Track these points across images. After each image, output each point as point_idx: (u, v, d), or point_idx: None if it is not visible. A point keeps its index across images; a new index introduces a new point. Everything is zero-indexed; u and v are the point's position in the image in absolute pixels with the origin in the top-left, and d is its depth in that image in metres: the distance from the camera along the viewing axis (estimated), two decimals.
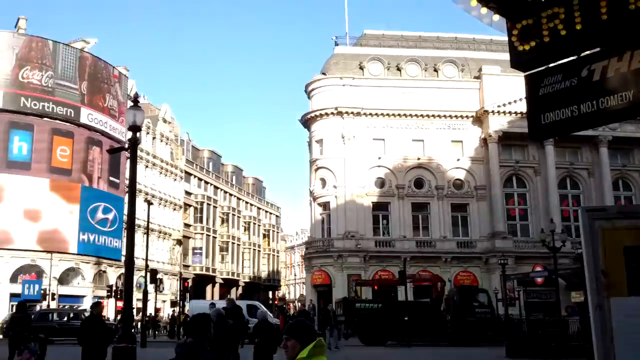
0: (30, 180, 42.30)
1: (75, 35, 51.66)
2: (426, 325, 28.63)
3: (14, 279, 41.26)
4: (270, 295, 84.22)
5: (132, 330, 13.46)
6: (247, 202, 79.96)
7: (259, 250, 79.26)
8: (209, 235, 64.52)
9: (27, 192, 41.90)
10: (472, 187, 47.27)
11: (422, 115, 47.35)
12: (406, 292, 32.34)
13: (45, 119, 43.98)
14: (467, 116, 47.75)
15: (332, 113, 46.80)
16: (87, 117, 46.04)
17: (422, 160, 46.96)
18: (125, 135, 45.88)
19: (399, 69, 48.79)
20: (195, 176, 66.27)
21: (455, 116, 47.66)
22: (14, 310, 21.47)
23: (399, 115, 47.10)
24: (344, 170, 45.86)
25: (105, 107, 48.20)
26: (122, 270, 44.48)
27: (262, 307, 27.56)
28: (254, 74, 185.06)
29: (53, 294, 40.47)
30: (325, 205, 47.30)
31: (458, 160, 47.32)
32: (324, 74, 49.17)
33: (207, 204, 65.30)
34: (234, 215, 71.97)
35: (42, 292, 38.85)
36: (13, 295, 39.55)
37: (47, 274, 41.73)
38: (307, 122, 49.06)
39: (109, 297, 41.40)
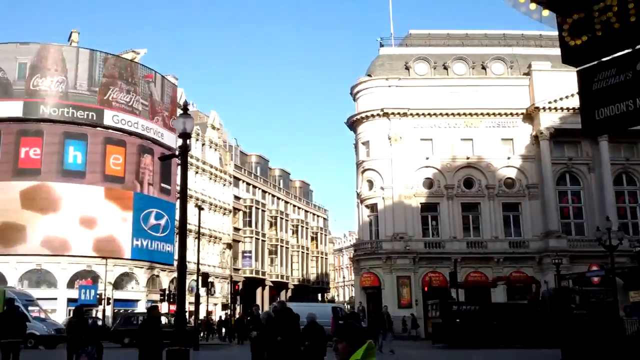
0: (85, 188, 43.60)
1: (126, 46, 52.93)
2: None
3: (70, 284, 42.60)
4: (320, 298, 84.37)
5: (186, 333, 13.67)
6: (294, 206, 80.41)
7: (307, 253, 79.56)
8: (258, 239, 65.15)
9: (83, 200, 43.20)
10: (523, 185, 46.27)
11: (470, 114, 46.66)
12: (457, 293, 31.88)
13: (98, 128, 45.25)
14: (517, 113, 46.80)
15: (378, 114, 46.60)
16: (139, 125, 47.16)
17: (472, 160, 46.25)
18: (176, 143, 46.80)
19: (445, 68, 48.21)
20: (243, 181, 67.06)
21: (505, 114, 46.77)
22: (71, 315, 22.12)
23: (446, 114, 46.54)
24: (391, 172, 45.58)
25: (156, 116, 49.28)
26: (175, 275, 45.47)
27: (324, 304, 27.60)
28: (300, 78, 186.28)
29: (108, 299, 41.61)
30: (372, 207, 47.10)
31: (509, 158, 46.41)
32: (369, 75, 49.03)
33: (256, 208, 65.96)
34: (282, 218, 72.46)
35: (97, 296, 39.94)
36: (70, 300, 40.85)
37: (103, 279, 42.90)
38: (353, 124, 48.99)
39: (162, 300, 42.29)
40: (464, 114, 46.61)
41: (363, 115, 47.33)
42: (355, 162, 49.38)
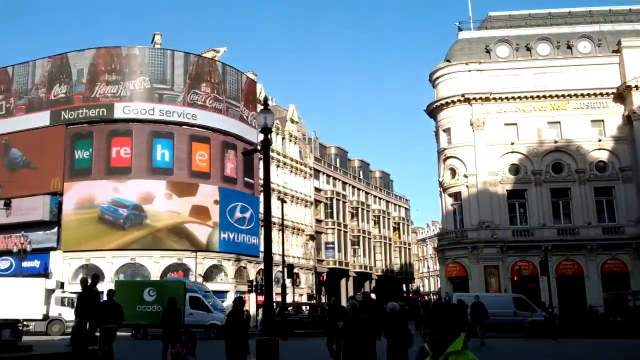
0: (178, 184, 45.34)
1: (205, 45, 54.45)
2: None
3: (163, 277, 44.40)
4: (404, 288, 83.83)
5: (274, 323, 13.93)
6: (375, 196, 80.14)
7: (390, 244, 79.18)
8: (340, 230, 65.46)
9: (172, 196, 44.96)
10: (616, 168, 43.95)
11: (556, 96, 44.77)
12: (549, 283, 30.78)
13: (184, 126, 46.87)
14: (607, 93, 44.46)
15: (459, 100, 45.54)
16: (222, 122, 48.45)
17: (560, 144, 44.40)
18: (257, 137, 47.73)
19: (528, 50, 46.45)
20: (323, 173, 67.51)
21: (594, 94, 44.55)
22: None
23: (531, 97, 44.88)
24: (475, 159, 44.49)
25: (238, 112, 50.43)
26: (261, 266, 46.51)
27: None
28: (376, 66, 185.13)
29: None
30: (456, 196, 46.16)
31: (599, 140, 44.20)
32: (448, 60, 47.98)
33: (337, 199, 66.27)
34: (363, 209, 72.44)
35: None
36: None
37: (193, 272, 44.47)
38: (432, 111, 48.15)
39: (249, 291, 43.30)
40: (550, 96, 44.77)
41: (443, 101, 46.40)
42: (436, 150, 48.54)
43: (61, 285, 36.45)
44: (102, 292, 15.39)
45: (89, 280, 14.50)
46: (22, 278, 37.95)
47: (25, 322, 32.42)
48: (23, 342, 15.50)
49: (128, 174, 44.89)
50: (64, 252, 43.96)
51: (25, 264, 40.64)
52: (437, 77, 47.89)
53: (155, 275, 43.76)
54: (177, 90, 47.15)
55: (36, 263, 44.17)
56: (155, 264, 44.47)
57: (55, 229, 44.64)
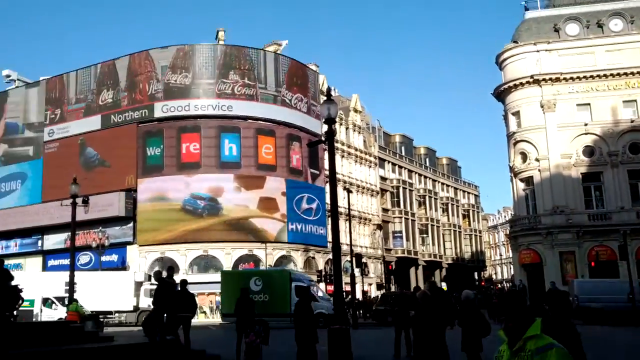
0: (246, 177, 46.22)
1: (268, 39, 55.03)
2: None
3: (235, 268, 45.37)
4: (475, 277, 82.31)
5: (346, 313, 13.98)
6: (442, 183, 78.90)
7: (459, 232, 77.85)
8: (408, 219, 64.91)
9: (240, 189, 45.90)
10: None
11: (632, 74, 42.65)
12: (629, 268, 29.45)
13: (249, 120, 47.64)
14: None
15: (528, 82, 44.07)
16: (286, 115, 48.96)
17: (637, 123, 42.29)
18: (321, 129, 47.91)
19: (599, 26, 44.37)
20: (388, 161, 67.04)
21: None
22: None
23: (604, 76, 42.90)
24: (546, 142, 43.01)
25: (302, 103, 50.78)
26: (329, 256, 46.76)
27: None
28: (439, 51, 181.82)
29: None
30: (527, 181, 44.78)
31: None
32: (515, 42, 46.48)
33: (403, 187, 65.71)
34: (430, 197, 71.53)
35: None
36: None
37: (263, 263, 45.25)
38: (500, 94, 46.83)
39: (319, 281, 43.64)
40: (625, 74, 42.68)
41: (511, 84, 45.03)
42: (505, 134, 47.23)
43: (149, 277, 37.97)
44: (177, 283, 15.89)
45: (164, 273, 14.99)
46: (113, 272, 39.83)
47: (117, 314, 33.98)
48: (105, 333, 16.23)
49: (198, 169, 46.12)
50: (140, 246, 45.67)
51: (103, 258, 42.51)
52: (505, 59, 46.50)
53: (227, 266, 44.82)
54: (244, 84, 47.94)
55: (114, 257, 46.13)
56: (227, 255, 45.53)
57: (131, 224, 46.44)
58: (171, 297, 13.99)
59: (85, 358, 10.58)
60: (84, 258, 46.36)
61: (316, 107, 50.71)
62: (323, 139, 15.91)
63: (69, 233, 28.55)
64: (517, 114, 45.23)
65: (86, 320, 20.86)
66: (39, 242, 50.59)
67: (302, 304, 11.99)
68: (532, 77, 43.74)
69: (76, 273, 31.26)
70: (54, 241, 49.16)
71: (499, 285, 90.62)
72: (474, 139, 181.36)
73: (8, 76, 60.49)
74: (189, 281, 15.76)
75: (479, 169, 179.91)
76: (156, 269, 36.55)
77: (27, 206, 50.73)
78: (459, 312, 11.54)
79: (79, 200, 25.67)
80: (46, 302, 31.28)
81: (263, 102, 48.09)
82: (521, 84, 44.39)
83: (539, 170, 43.30)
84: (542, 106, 43.47)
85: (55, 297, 31.42)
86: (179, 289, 14.50)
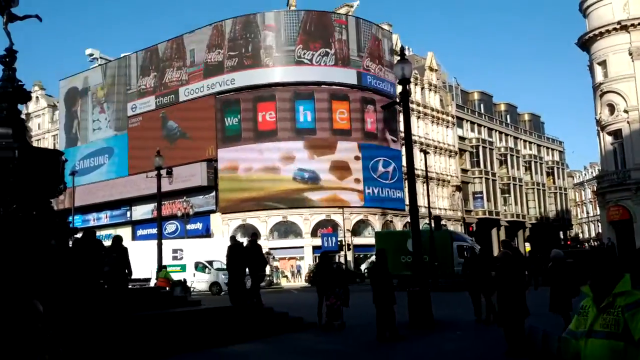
0: (317, 143, 46.44)
1: (339, 1, 54.26)
2: None
3: (314, 233, 46.07)
4: (561, 236, 79.62)
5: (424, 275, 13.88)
6: (525, 141, 76.18)
7: (543, 190, 75.22)
8: (488, 179, 63.34)
9: (316, 155, 46.19)
10: None
11: None
12: None
13: (323, 86, 47.58)
14: None
15: (615, 29, 41.35)
16: (358, 78, 48.52)
17: None
18: (395, 90, 47.17)
19: None
20: (467, 120, 65.35)
21: None
22: (317, 260, 23.91)
23: None
24: (636, 92, 40.43)
25: (375, 65, 50.12)
26: (407, 219, 46.42)
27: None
28: (515, 1, 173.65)
29: (348, 245, 44.20)
30: (616, 134, 42.43)
31: None
32: None
33: (483, 147, 64.02)
34: (512, 155, 69.33)
35: (338, 243, 42.67)
36: (315, 248, 44.29)
37: (342, 227, 45.61)
38: (585, 43, 44.26)
39: None
40: None
41: (596, 32, 42.41)
42: (591, 85, 44.78)
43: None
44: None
45: (243, 239, 15.49)
46: (211, 239, 41.15)
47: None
48: (192, 298, 16.93)
49: (274, 137, 46.71)
50: (222, 213, 47.09)
51: (188, 226, 44.17)
52: (589, 5, 43.77)
53: (305, 232, 45.55)
54: (312, 50, 47.82)
55: (198, 225, 47.84)
56: (305, 221, 46.19)
57: (213, 193, 47.91)
58: (242, 258, 14.35)
59: (174, 321, 11.07)
60: (170, 227, 48.36)
61: (390, 68, 49.91)
62: (397, 100, 15.66)
63: (156, 203, 29.82)
64: (603, 63, 42.68)
65: (174, 286, 21.83)
66: (128, 213, 53.24)
67: (378, 267, 12.01)
68: (619, 23, 40.98)
69: (188, 240, 32.74)
70: (141, 212, 51.58)
71: (586, 244, 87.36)
72: (557, 93, 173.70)
73: (91, 55, 63.11)
74: (270, 247, 16.19)
75: (564, 124, 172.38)
76: (239, 235, 37.57)
77: (115, 179, 53.34)
78: (547, 271, 11.21)
79: (163, 172, 26.65)
80: (197, 266, 32.63)
81: (336, 66, 47.80)
82: (607, 31, 41.70)
83: (628, 122, 40.89)
84: (630, 54, 40.77)
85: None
86: (249, 246, 14.88)
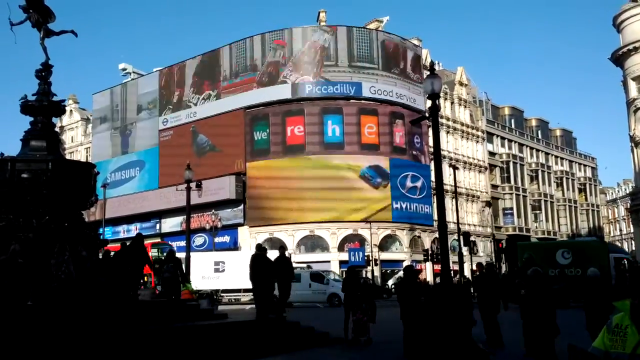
0: (345, 158, 46.47)
1: (368, 16, 54.56)
2: None
3: (341, 247, 45.92)
4: None
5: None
6: (556, 156, 75.03)
7: (575, 207, 73.87)
8: (519, 195, 62.49)
9: (344, 170, 46.16)
10: None
11: None
12: None
13: (352, 100, 47.69)
14: None
15: None
16: (390, 93, 48.51)
17: None
18: (425, 105, 47.02)
19: None
20: (497, 135, 64.69)
21: None
22: (344, 275, 23.79)
23: None
24: None
25: (405, 80, 50.07)
26: (436, 235, 46.00)
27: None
28: (547, 16, 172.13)
29: (375, 260, 43.93)
30: None
31: None
32: (634, 1, 43.02)
33: (513, 162, 63.25)
34: (543, 171, 68.31)
35: (365, 258, 42.44)
36: (341, 262, 44.11)
37: (369, 242, 45.38)
38: (618, 59, 43.62)
39: (425, 260, 43.15)
40: None
41: (630, 47, 41.82)
42: (625, 101, 44.05)
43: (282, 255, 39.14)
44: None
45: (270, 250, 15.53)
46: (242, 251, 41.34)
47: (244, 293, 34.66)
48: (219, 311, 16.96)
49: (303, 151, 46.88)
50: (250, 227, 47.28)
51: (216, 239, 44.44)
52: (622, 21, 43.22)
53: (333, 246, 45.43)
54: (342, 65, 48.07)
55: (226, 238, 48.11)
56: (332, 235, 46.11)
57: (241, 206, 48.18)
58: (268, 269, 14.24)
59: (199, 334, 11.10)
60: (198, 240, 48.71)
61: (420, 83, 49.80)
62: (427, 115, 15.58)
63: (185, 216, 30.05)
64: (637, 78, 42.03)
65: (201, 299, 21.92)
66: (157, 226, 53.83)
67: (405, 282, 11.90)
68: None
69: (229, 253, 34.73)
70: (170, 224, 52.10)
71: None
72: (590, 108, 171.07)
73: (124, 69, 64.36)
74: (296, 260, 16.21)
75: (596, 140, 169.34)
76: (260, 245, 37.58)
77: (146, 192, 54.02)
78: (584, 290, 10.96)
79: (192, 185, 26.92)
80: (314, 277, 31.88)
81: (365, 81, 47.92)
82: None
83: None
84: None
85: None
86: (278, 256, 14.87)
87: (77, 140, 68.26)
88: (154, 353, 9.52)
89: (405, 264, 45.78)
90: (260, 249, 14.75)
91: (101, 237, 15.86)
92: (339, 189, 45.52)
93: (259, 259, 14.31)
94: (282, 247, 16.39)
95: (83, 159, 58.57)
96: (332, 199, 45.40)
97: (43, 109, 12.99)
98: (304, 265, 37.29)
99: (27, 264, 10.34)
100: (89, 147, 64.63)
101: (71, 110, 66.79)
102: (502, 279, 23.05)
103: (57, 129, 14.31)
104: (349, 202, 45.76)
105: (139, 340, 9.75)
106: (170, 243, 39.42)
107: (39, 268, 10.76)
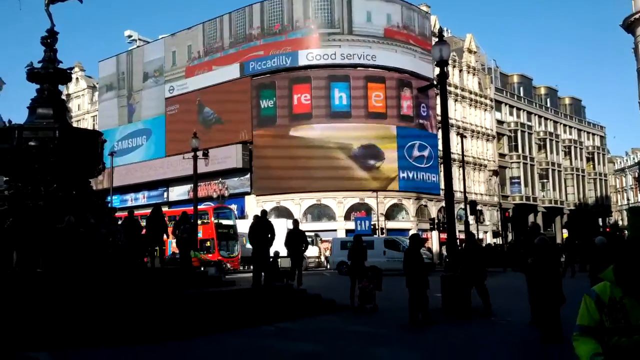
0: (351, 127, 46.26)
1: None
2: None
3: (347, 216, 46.06)
4: (600, 223, 77.90)
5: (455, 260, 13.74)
6: (565, 125, 74.47)
7: (583, 176, 73.59)
8: (526, 164, 62.25)
9: (351, 138, 46.01)
10: None
11: None
12: None
13: (359, 68, 47.26)
14: None
15: None
16: (396, 60, 48.02)
17: None
18: (433, 72, 46.56)
19: None
20: (506, 104, 64.16)
21: None
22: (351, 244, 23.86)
23: None
24: None
25: (412, 47, 49.50)
26: (442, 204, 46.11)
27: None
28: None
29: (382, 229, 44.08)
30: None
31: None
32: None
33: (521, 131, 62.85)
34: (551, 140, 67.89)
35: (372, 227, 42.58)
36: (348, 231, 44.28)
37: (375, 211, 45.48)
38: (630, 25, 42.81)
39: (431, 229, 43.24)
40: None
41: None
42: (635, 68, 43.44)
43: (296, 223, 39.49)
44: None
45: (286, 222, 15.75)
46: (272, 219, 41.57)
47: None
48: (227, 279, 17.14)
49: (309, 119, 46.70)
50: (257, 195, 47.43)
51: None
52: None
53: (339, 215, 45.56)
54: (346, 32, 47.54)
55: (233, 207, 48.24)
56: (339, 204, 46.21)
57: (248, 175, 48.26)
58: (265, 234, 14.29)
59: (208, 300, 11.23)
60: None
61: (428, 50, 49.24)
62: (435, 82, 15.46)
63: (192, 185, 30.16)
64: None
65: (208, 267, 22.17)
66: (165, 194, 54.07)
67: (411, 251, 11.95)
68: None
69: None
70: (178, 192, 52.31)
71: (626, 232, 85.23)
72: (600, 76, 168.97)
73: (130, 36, 63.88)
74: (303, 229, 16.40)
75: (606, 108, 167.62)
76: (273, 217, 37.82)
77: (153, 160, 54.12)
78: (591, 258, 10.99)
79: (199, 154, 26.93)
80: (387, 244, 30.60)
81: (372, 48, 47.40)
82: None
83: None
84: None
85: None
86: (292, 229, 15.11)
87: (84, 108, 68.17)
88: (165, 317, 9.64)
89: (411, 232, 46.04)
90: (261, 214, 15.02)
91: (109, 205, 15.95)
92: (343, 160, 45.43)
93: (258, 224, 14.40)
94: (296, 221, 16.74)
95: (90, 127, 58.59)
96: (337, 167, 45.42)
97: (49, 77, 12.93)
98: (312, 234, 37.49)
99: (87, 233, 10.81)
100: (95, 116, 64.58)
101: (77, 78, 66.51)
102: (508, 247, 23.20)
103: (63, 97, 14.26)
104: (349, 178, 45.76)
105: (149, 304, 9.87)
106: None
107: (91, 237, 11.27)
